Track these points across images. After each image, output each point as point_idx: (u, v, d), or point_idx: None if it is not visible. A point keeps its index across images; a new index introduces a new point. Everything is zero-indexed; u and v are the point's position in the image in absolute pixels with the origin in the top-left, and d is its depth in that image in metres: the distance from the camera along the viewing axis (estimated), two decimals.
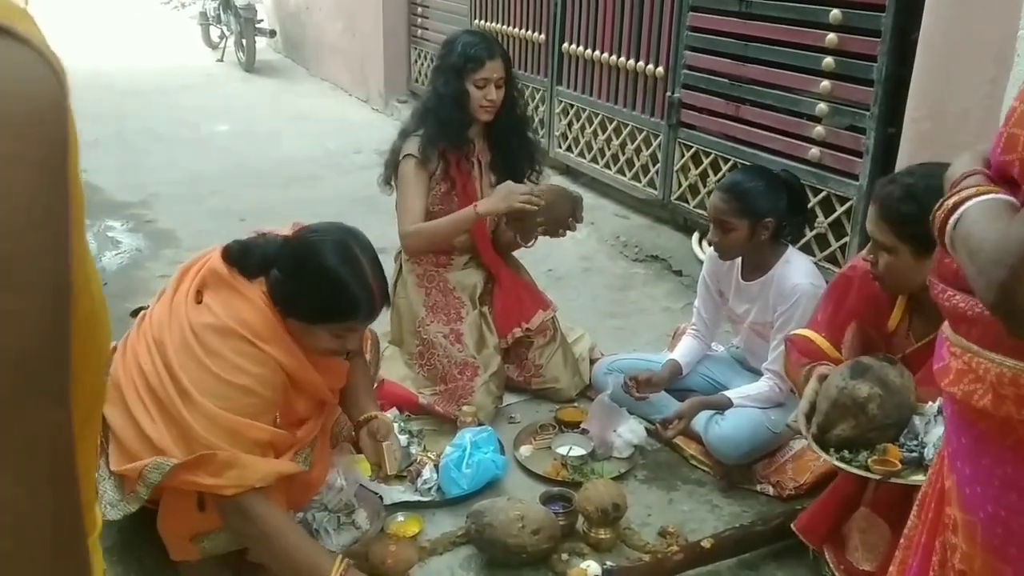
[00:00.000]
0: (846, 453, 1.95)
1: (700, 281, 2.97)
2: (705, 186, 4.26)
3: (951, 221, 1.12)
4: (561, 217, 2.93)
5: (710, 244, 2.75)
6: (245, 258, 2.04)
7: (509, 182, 2.91)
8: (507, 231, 3.11)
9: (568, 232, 3.00)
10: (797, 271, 2.63)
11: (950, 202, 1.14)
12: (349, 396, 2.36)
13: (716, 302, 2.92)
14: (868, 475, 1.91)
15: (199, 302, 2.02)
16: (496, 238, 3.17)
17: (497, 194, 2.88)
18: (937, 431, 1.87)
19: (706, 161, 4.26)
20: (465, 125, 2.96)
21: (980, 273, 1.02)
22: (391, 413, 2.74)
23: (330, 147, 6.50)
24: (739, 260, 2.75)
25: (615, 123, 4.93)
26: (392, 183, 3.05)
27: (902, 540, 1.49)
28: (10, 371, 0.46)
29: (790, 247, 2.73)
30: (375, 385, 2.68)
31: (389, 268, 2.24)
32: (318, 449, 2.23)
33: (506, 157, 3.06)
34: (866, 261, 2.03)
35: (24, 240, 0.45)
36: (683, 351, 2.97)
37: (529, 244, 3.12)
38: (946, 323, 1.29)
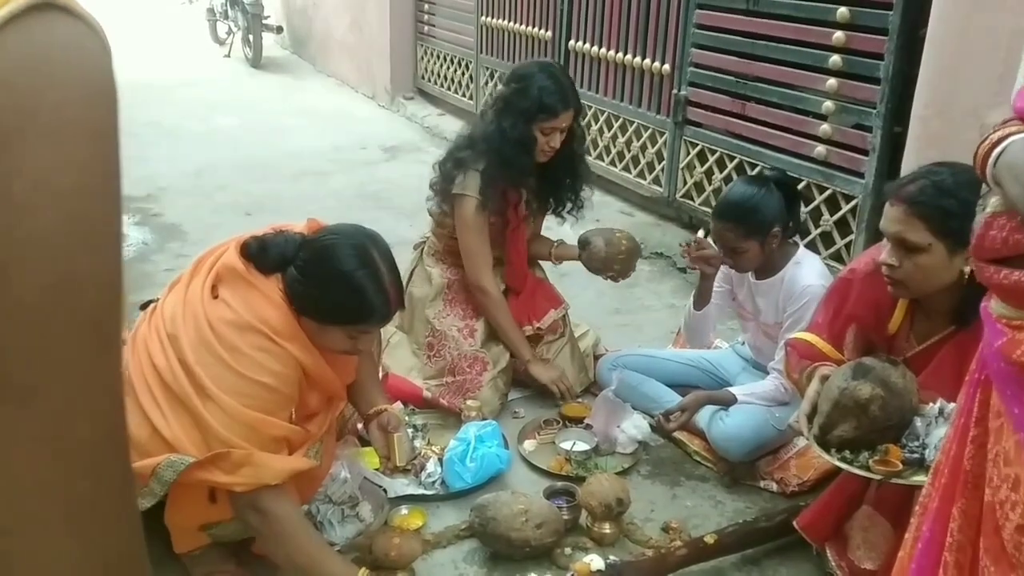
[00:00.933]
0: (847, 453, 1.95)
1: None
2: (711, 183, 4.26)
3: (995, 152, 1.21)
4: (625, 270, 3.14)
5: (725, 264, 2.73)
6: (263, 255, 2.03)
7: (562, 374, 3.03)
8: (542, 248, 3.22)
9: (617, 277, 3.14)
10: (808, 272, 2.63)
11: (995, 136, 1.22)
12: (358, 390, 2.37)
13: (724, 292, 2.92)
14: (869, 476, 1.91)
15: (215, 297, 2.02)
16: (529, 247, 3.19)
17: (550, 370, 3.01)
18: (938, 432, 1.87)
19: (712, 159, 4.26)
20: (529, 169, 2.92)
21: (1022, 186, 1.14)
22: (396, 406, 2.75)
23: (336, 143, 6.50)
24: None
25: (621, 120, 4.93)
26: (444, 208, 3.00)
27: (916, 507, 1.50)
28: (91, 328, 0.50)
29: (800, 247, 2.73)
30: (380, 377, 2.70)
31: (399, 261, 2.24)
32: (325, 442, 2.24)
33: (552, 189, 3.06)
34: (887, 265, 1.96)
35: (97, 204, 0.49)
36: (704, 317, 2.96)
37: (558, 263, 3.24)
38: (993, 303, 1.32)
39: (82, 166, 0.48)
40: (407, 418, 2.79)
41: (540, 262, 3.32)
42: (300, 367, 2.03)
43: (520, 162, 2.86)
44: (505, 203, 2.95)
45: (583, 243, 3.10)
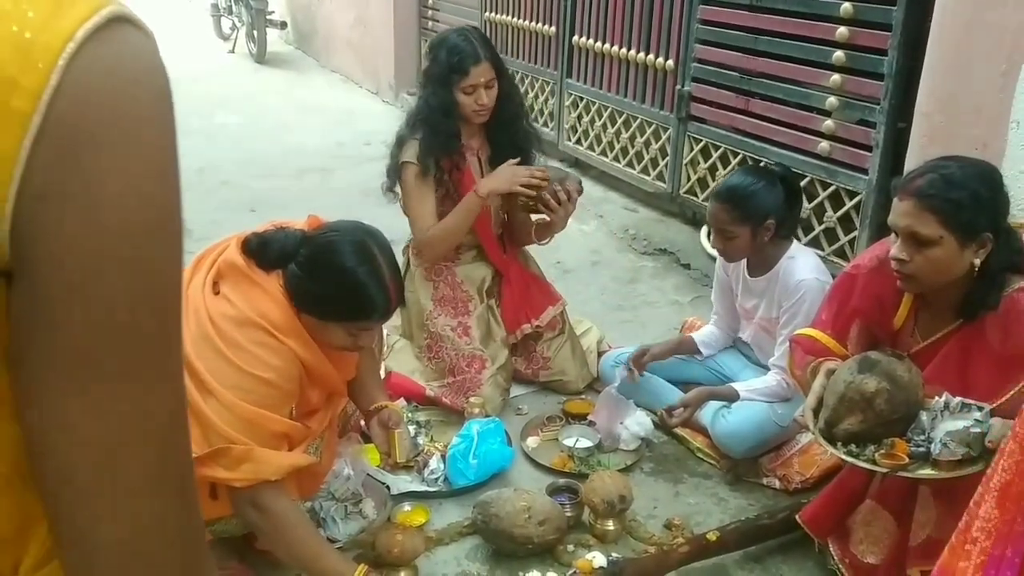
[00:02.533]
0: (853, 447, 1.94)
1: (716, 275, 2.98)
2: (714, 180, 4.25)
3: None
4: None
5: (714, 248, 2.74)
6: (263, 251, 2.03)
7: (511, 164, 2.88)
8: (522, 228, 3.12)
9: (558, 205, 2.86)
10: (802, 267, 2.62)
11: None
12: (359, 386, 2.37)
13: (731, 295, 2.92)
14: (875, 469, 1.91)
15: (216, 293, 2.02)
16: (509, 233, 3.17)
17: (499, 175, 2.87)
18: (944, 426, 1.87)
19: (715, 155, 4.25)
20: (456, 134, 2.94)
21: None
22: (399, 403, 2.75)
23: (340, 139, 6.51)
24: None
25: (624, 116, 4.92)
26: (395, 190, 3.03)
27: (975, 532, 1.45)
28: (167, 313, 0.57)
29: (795, 242, 2.72)
30: (382, 377, 2.70)
31: (398, 259, 2.24)
32: (326, 438, 2.24)
33: (502, 151, 3.03)
34: (897, 260, 1.94)
35: (171, 200, 0.56)
36: (704, 334, 3.01)
37: (543, 242, 3.11)
38: None
39: (159, 165, 0.55)
40: (410, 415, 2.80)
41: (536, 261, 3.31)
42: (300, 363, 2.03)
43: (446, 128, 2.89)
44: (443, 170, 2.94)
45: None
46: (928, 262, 1.90)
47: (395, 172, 2.99)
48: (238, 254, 2.03)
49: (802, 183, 3.72)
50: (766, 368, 2.79)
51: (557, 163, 3.14)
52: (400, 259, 3.12)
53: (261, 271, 2.02)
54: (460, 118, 2.91)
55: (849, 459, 1.94)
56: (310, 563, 2.02)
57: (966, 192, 1.85)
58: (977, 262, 1.89)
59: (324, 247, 2.04)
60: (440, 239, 2.95)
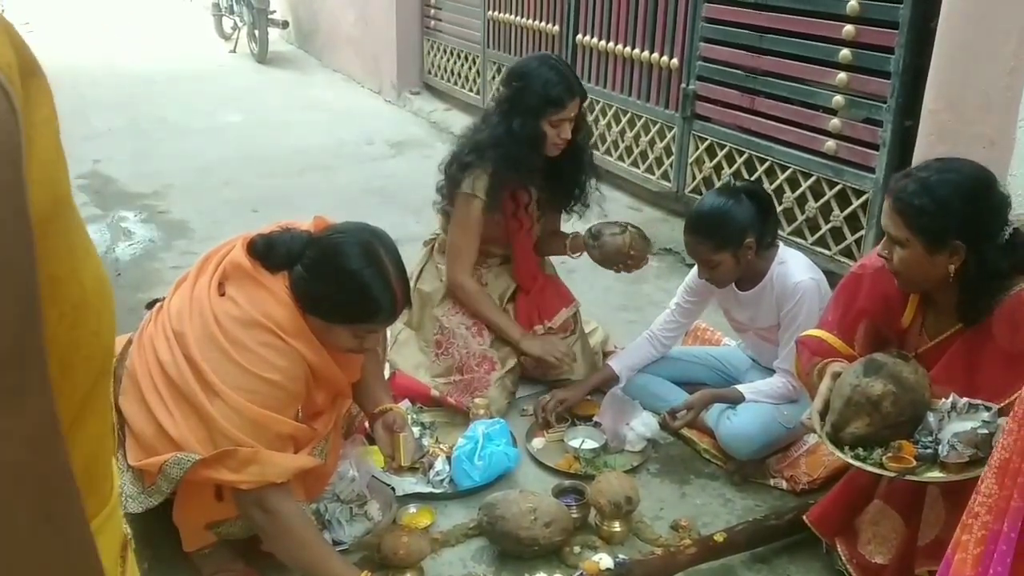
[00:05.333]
0: (861, 451, 1.94)
1: (685, 284, 2.93)
2: (720, 179, 4.24)
3: None
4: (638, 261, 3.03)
5: (701, 279, 2.72)
6: (269, 253, 2.03)
7: (554, 341, 2.98)
8: (559, 243, 3.16)
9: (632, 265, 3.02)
10: (796, 269, 2.61)
11: None
12: (363, 388, 2.36)
13: (705, 296, 2.90)
14: (883, 473, 1.90)
15: (222, 294, 2.01)
16: (539, 247, 3.19)
17: (542, 344, 2.95)
18: (951, 427, 1.86)
19: (721, 154, 4.24)
20: (538, 166, 2.88)
21: None
22: (404, 404, 2.74)
23: (343, 138, 6.50)
24: None
25: (629, 115, 4.91)
26: (449, 211, 2.98)
27: (976, 507, 1.47)
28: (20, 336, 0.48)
29: (780, 246, 2.70)
30: (387, 377, 2.69)
31: (407, 257, 2.22)
32: (331, 440, 2.23)
33: (556, 181, 3.02)
34: (881, 257, 2.00)
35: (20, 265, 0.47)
36: (626, 357, 2.99)
37: (576, 255, 3.16)
38: None
39: None
40: (415, 416, 2.79)
41: (550, 259, 3.30)
42: (306, 364, 2.02)
43: (531, 160, 2.83)
44: (516, 204, 2.93)
45: (594, 234, 3.02)
46: (900, 262, 1.94)
47: (452, 195, 2.93)
48: (244, 255, 2.02)
49: (808, 182, 3.72)
50: (771, 369, 2.77)
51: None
52: (422, 251, 3.13)
53: (267, 272, 2.01)
54: (542, 153, 2.86)
55: (856, 463, 1.93)
56: (313, 567, 2.01)
57: (933, 200, 1.85)
58: (952, 269, 1.89)
59: (330, 249, 2.03)
60: (465, 303, 2.99)
